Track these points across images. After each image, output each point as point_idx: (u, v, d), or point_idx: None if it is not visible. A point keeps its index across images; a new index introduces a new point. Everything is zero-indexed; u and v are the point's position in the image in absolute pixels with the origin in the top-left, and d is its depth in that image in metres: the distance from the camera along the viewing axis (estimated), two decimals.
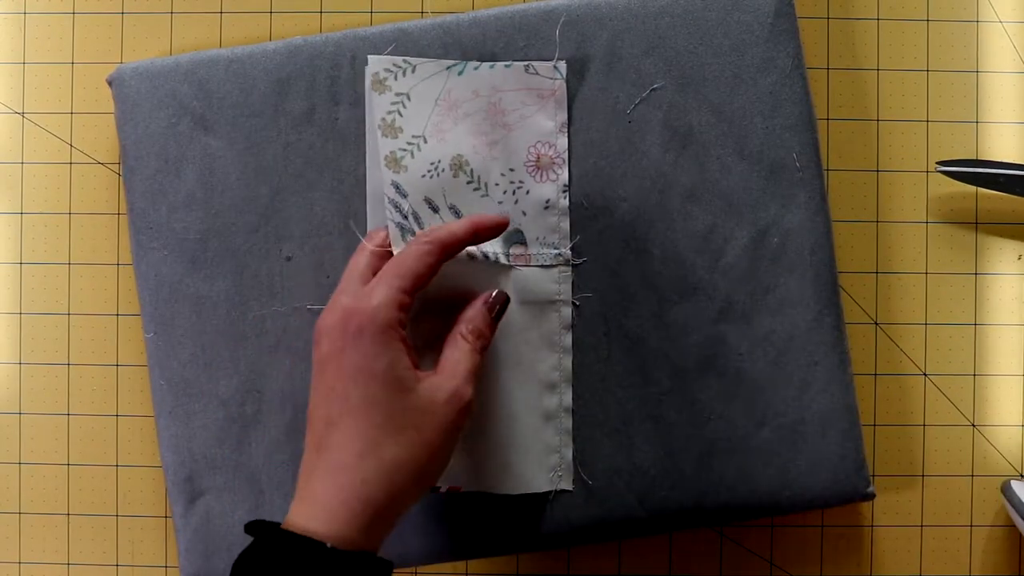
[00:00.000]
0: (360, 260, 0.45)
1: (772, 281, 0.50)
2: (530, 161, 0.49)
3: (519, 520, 0.49)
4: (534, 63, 0.49)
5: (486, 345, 0.45)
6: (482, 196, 0.49)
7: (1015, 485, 0.50)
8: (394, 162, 0.47)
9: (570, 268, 0.49)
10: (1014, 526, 0.52)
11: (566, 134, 0.50)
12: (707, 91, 0.50)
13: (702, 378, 0.49)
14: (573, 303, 0.50)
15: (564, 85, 0.50)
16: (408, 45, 0.50)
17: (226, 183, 0.50)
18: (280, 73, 0.50)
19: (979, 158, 0.53)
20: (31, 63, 0.54)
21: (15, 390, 0.54)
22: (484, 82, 0.49)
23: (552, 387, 0.49)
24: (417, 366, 0.43)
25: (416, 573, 0.53)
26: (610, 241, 0.50)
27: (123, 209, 0.54)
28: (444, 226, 0.44)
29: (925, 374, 0.53)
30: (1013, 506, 0.50)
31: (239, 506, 0.50)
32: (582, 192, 0.50)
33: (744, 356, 0.49)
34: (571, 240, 0.50)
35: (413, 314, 0.43)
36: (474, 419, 0.46)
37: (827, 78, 0.53)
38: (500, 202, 0.49)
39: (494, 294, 0.46)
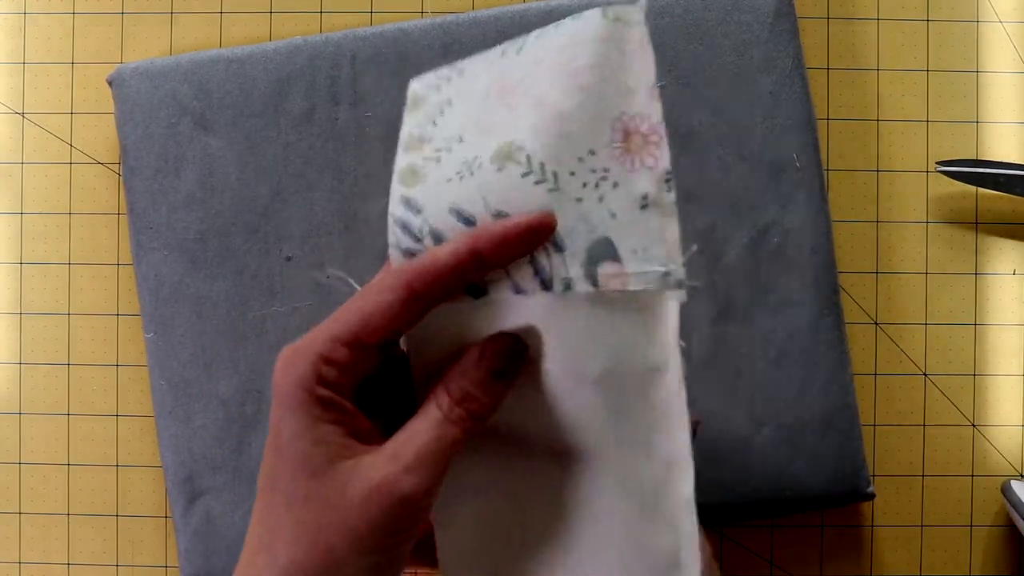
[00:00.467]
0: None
1: (772, 281, 0.50)
2: (616, 141, 0.33)
3: None
4: (613, 6, 0.33)
5: (479, 414, 0.32)
6: (550, 191, 0.32)
7: (1015, 485, 0.50)
8: (411, 175, 0.34)
9: (684, 293, 0.33)
10: (1014, 526, 0.52)
11: (658, 100, 0.33)
12: (707, 91, 0.50)
13: (702, 378, 0.49)
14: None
15: (647, 34, 0.34)
16: (408, 45, 0.50)
17: (226, 183, 0.50)
18: (280, 73, 0.50)
19: (979, 158, 0.53)
20: (31, 63, 0.54)
21: (15, 390, 0.54)
22: (549, 46, 0.34)
23: (668, 467, 0.33)
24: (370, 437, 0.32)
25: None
26: None
27: (123, 209, 0.54)
28: (428, 252, 0.32)
29: (925, 374, 0.53)
30: (1013, 506, 0.50)
31: (239, 506, 0.50)
32: None
33: (744, 356, 0.49)
34: (684, 252, 0.33)
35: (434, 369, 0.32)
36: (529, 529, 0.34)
37: (827, 78, 0.53)
38: (579, 199, 0.32)
39: (492, 339, 0.32)
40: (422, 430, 0.31)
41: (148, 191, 0.51)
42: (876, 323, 0.53)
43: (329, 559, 0.30)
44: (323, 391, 0.31)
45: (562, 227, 0.32)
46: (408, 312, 0.31)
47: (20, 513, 0.54)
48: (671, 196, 0.33)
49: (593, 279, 0.32)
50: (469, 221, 0.33)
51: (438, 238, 0.33)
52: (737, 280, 0.50)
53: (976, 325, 0.53)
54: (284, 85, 0.50)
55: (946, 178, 0.52)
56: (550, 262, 0.32)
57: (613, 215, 0.32)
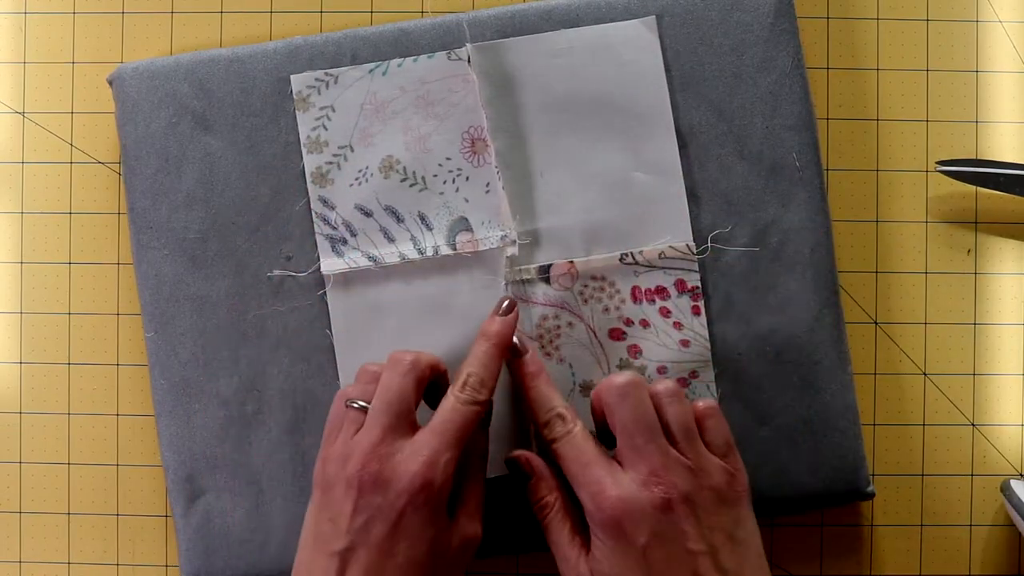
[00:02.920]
0: (392, 392, 0.44)
1: (772, 281, 0.50)
2: (465, 147, 0.49)
3: (519, 520, 0.49)
4: (456, 50, 0.49)
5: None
6: (420, 191, 0.49)
7: (1015, 485, 0.50)
8: (320, 177, 0.49)
9: (517, 246, 0.49)
10: (1014, 526, 0.52)
11: (484, 115, 0.49)
12: (707, 91, 0.50)
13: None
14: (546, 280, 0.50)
15: (472, 68, 0.49)
16: (408, 45, 0.50)
17: (226, 183, 0.50)
18: (280, 73, 0.50)
19: (979, 158, 0.53)
20: (31, 63, 0.54)
21: (15, 390, 0.54)
22: (409, 77, 0.49)
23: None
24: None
25: None
26: None
27: (123, 209, 0.54)
28: (479, 368, 0.45)
29: (925, 374, 0.53)
30: (1013, 506, 0.50)
31: (239, 506, 0.50)
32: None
33: (744, 356, 0.49)
34: (513, 219, 0.49)
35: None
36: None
37: (827, 78, 0.53)
38: (441, 192, 0.49)
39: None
40: (472, 494, 0.45)
41: (148, 191, 0.51)
42: (876, 323, 0.53)
43: None
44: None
45: (430, 213, 0.50)
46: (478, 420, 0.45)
47: (20, 513, 0.54)
48: (500, 182, 0.49)
49: (453, 245, 0.49)
50: (368, 214, 0.50)
51: (349, 227, 0.49)
52: (737, 279, 0.50)
53: (976, 325, 0.53)
54: (284, 85, 0.50)
55: (946, 178, 0.52)
56: (423, 237, 0.50)
57: (466, 200, 0.49)
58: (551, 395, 0.46)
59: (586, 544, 0.44)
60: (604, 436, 0.46)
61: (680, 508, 0.42)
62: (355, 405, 0.45)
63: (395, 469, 0.43)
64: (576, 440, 0.44)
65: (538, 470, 0.46)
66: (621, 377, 0.44)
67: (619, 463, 0.44)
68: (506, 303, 0.47)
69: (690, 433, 0.44)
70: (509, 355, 0.47)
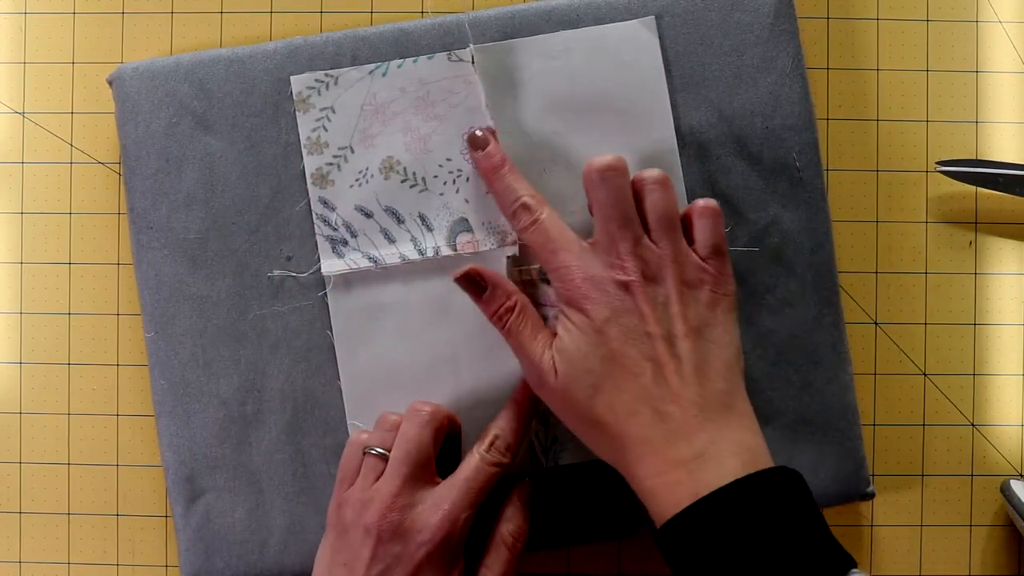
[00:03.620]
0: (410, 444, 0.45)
1: (772, 281, 0.50)
2: (465, 148, 0.49)
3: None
4: (456, 51, 0.49)
5: (524, 543, 0.46)
6: (420, 192, 0.49)
7: (1015, 485, 0.50)
8: (321, 178, 0.49)
9: (517, 247, 0.48)
10: (1014, 526, 0.52)
11: (489, 115, 0.49)
12: (707, 91, 0.50)
13: None
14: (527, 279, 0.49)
15: (475, 68, 0.49)
16: (408, 45, 0.50)
17: (226, 183, 0.50)
18: (280, 73, 0.50)
19: (979, 158, 0.53)
20: (31, 63, 0.54)
21: (15, 390, 0.54)
22: (409, 78, 0.49)
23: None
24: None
25: None
26: None
27: (123, 209, 0.54)
28: (508, 434, 0.46)
29: (925, 374, 0.53)
30: (1013, 506, 0.50)
31: (239, 506, 0.50)
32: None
33: (744, 356, 0.49)
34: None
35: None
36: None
37: (827, 78, 0.53)
38: (441, 193, 0.49)
39: (524, 488, 0.47)
40: (494, 565, 0.46)
41: (148, 191, 0.51)
42: (876, 323, 0.53)
43: None
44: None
45: (431, 214, 0.49)
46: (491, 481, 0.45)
47: (20, 513, 0.54)
48: None
49: (453, 247, 0.49)
50: (368, 215, 0.50)
51: (349, 228, 0.49)
52: (737, 280, 0.49)
53: (976, 325, 0.53)
54: (284, 85, 0.50)
55: (946, 178, 0.52)
56: (423, 238, 0.49)
57: (467, 201, 0.49)
58: (516, 185, 0.46)
59: (550, 338, 0.44)
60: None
61: (639, 291, 0.42)
62: (374, 452, 0.45)
63: (415, 520, 0.43)
64: (543, 227, 0.44)
65: (491, 280, 0.45)
66: (604, 158, 0.44)
67: (592, 247, 0.44)
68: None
69: (669, 224, 0.43)
70: (470, 149, 0.48)
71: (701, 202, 0.45)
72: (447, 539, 0.43)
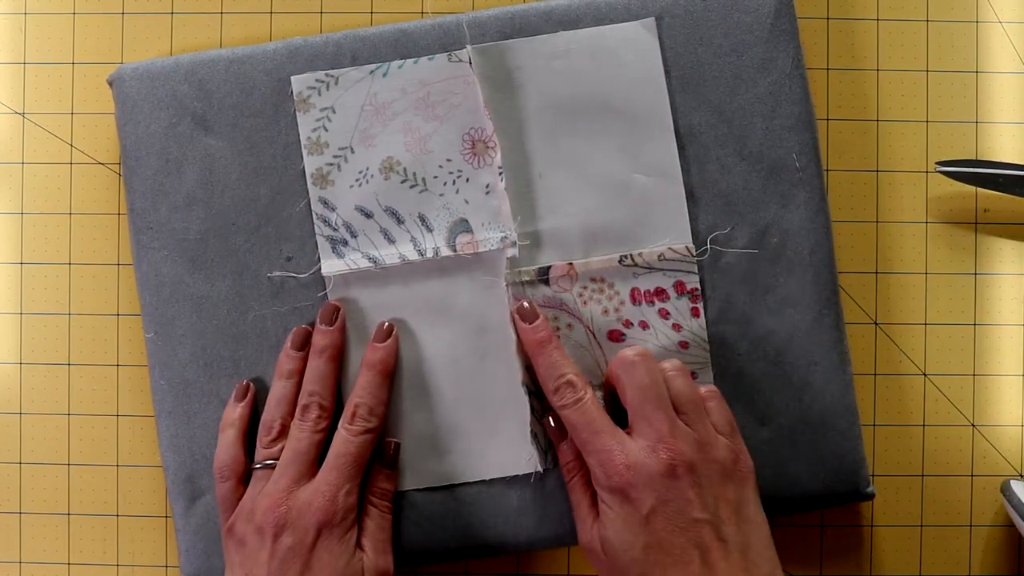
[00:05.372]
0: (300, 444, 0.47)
1: (772, 281, 0.50)
2: (465, 148, 0.50)
3: (516, 519, 0.49)
4: (456, 52, 0.50)
5: (390, 497, 0.48)
6: (420, 192, 0.49)
7: (1015, 485, 0.50)
8: (321, 178, 0.49)
9: (517, 247, 0.49)
10: (1014, 526, 0.52)
11: (489, 116, 0.49)
12: (707, 91, 0.50)
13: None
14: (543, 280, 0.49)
15: (473, 70, 0.49)
16: (408, 45, 0.50)
17: (226, 183, 0.50)
18: (280, 73, 0.50)
19: (979, 158, 0.53)
20: (31, 63, 0.54)
21: (15, 390, 0.54)
22: (410, 78, 0.50)
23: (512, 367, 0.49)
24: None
25: (416, 573, 0.53)
26: None
27: (123, 209, 0.54)
28: (367, 398, 0.47)
29: (925, 374, 0.53)
30: (1013, 506, 0.50)
31: None
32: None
33: (744, 356, 0.49)
34: (514, 220, 0.49)
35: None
36: (438, 413, 0.49)
37: (827, 78, 0.53)
38: (441, 194, 0.49)
39: (392, 445, 0.48)
40: (375, 528, 0.47)
41: (148, 191, 0.51)
42: (876, 323, 0.53)
43: None
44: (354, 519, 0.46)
45: (431, 214, 0.49)
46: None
47: (20, 513, 0.54)
48: (503, 183, 0.49)
49: (453, 247, 0.49)
50: (368, 215, 0.50)
51: (349, 228, 0.50)
52: (737, 280, 0.50)
53: (976, 325, 0.53)
54: (284, 86, 0.50)
55: (946, 178, 0.52)
56: (423, 238, 0.49)
57: (466, 201, 0.49)
58: (562, 362, 0.47)
59: (596, 511, 0.45)
60: (617, 415, 0.46)
61: (685, 476, 0.42)
62: (259, 466, 0.47)
63: (300, 508, 0.45)
64: (586, 407, 0.45)
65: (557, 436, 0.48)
66: (632, 350, 0.45)
67: (628, 433, 0.44)
68: (385, 326, 0.49)
69: (697, 407, 0.45)
70: (517, 320, 0.48)
71: (704, 388, 0.46)
72: (331, 517, 0.45)
